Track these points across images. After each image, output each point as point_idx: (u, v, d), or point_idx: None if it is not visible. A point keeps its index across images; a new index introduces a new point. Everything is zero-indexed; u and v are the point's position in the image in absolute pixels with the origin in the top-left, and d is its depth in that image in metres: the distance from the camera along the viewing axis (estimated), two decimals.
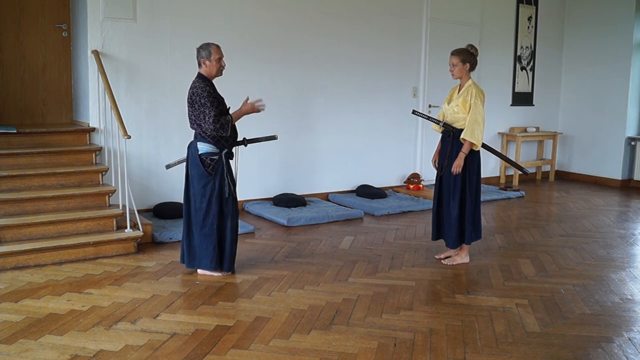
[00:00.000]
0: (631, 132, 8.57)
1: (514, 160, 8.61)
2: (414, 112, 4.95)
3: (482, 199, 7.17)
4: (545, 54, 9.12)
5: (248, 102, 4.26)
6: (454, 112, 4.53)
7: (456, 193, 4.55)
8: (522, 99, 8.98)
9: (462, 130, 4.48)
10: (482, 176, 8.38)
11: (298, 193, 6.81)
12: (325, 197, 7.08)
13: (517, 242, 5.43)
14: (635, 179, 8.49)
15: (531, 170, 9.18)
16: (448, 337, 3.31)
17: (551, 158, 9.12)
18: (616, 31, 8.51)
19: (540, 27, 8.99)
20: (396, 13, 7.42)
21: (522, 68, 8.91)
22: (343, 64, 7.06)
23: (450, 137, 4.57)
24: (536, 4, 8.90)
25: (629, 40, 8.37)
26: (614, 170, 8.64)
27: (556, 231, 5.86)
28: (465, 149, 4.45)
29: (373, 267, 4.56)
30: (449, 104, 4.61)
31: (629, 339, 3.33)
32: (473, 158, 4.55)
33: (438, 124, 4.67)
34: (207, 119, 4.01)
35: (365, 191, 7.05)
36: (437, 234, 4.78)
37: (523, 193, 7.75)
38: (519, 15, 8.73)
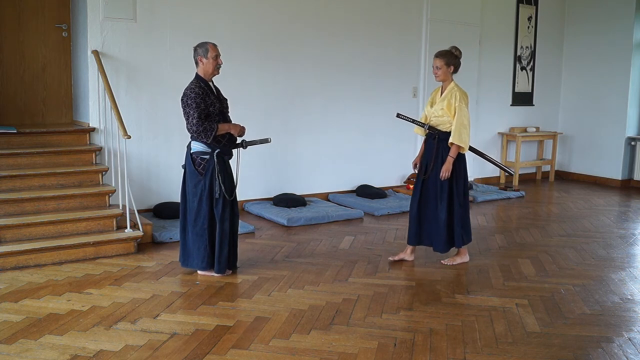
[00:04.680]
0: (631, 132, 8.56)
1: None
2: (398, 115, 4.84)
3: (481, 199, 7.22)
4: (545, 53, 9.12)
5: (240, 130, 4.23)
6: (438, 115, 4.49)
7: (444, 197, 4.50)
8: (522, 99, 8.98)
9: (447, 132, 4.45)
10: (482, 176, 8.48)
11: (298, 193, 6.80)
12: (325, 197, 7.08)
13: (517, 242, 5.43)
14: (635, 179, 8.49)
15: (531, 170, 9.19)
16: (448, 337, 3.31)
17: (551, 158, 9.11)
18: (616, 31, 8.51)
19: (540, 27, 8.98)
20: (396, 13, 7.42)
21: (522, 68, 8.91)
22: (343, 63, 7.06)
23: (435, 140, 4.52)
24: (536, 4, 8.90)
25: (629, 40, 8.37)
26: (614, 170, 8.64)
27: (556, 231, 5.86)
28: (453, 153, 4.41)
29: (373, 267, 4.56)
30: (432, 106, 4.57)
31: (629, 339, 3.33)
32: (460, 161, 4.51)
33: (422, 126, 4.61)
34: (190, 119, 4.04)
35: (365, 191, 7.05)
36: (417, 238, 4.67)
37: (523, 193, 7.75)
38: (519, 15, 8.73)
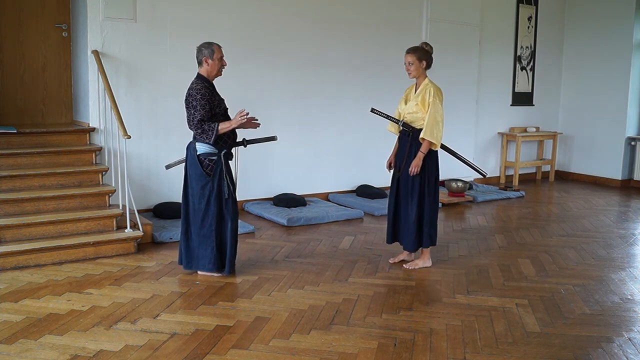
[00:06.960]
0: (631, 132, 8.57)
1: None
2: (372, 110, 4.76)
3: (481, 199, 7.22)
4: (545, 53, 9.12)
5: (242, 115, 4.03)
6: (413, 111, 4.42)
7: (414, 195, 4.43)
8: (522, 99, 8.98)
9: (420, 130, 4.36)
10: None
11: (298, 193, 6.81)
12: (325, 197, 7.08)
13: (517, 242, 5.43)
14: (635, 179, 8.49)
15: (531, 170, 9.19)
16: (448, 337, 3.31)
17: (551, 158, 9.11)
18: (616, 31, 8.51)
19: (540, 27, 8.98)
20: (396, 13, 7.41)
21: (522, 68, 8.91)
22: (343, 63, 7.06)
23: (409, 137, 4.45)
24: (536, 4, 8.90)
25: (629, 40, 8.37)
26: (614, 170, 8.64)
27: (556, 231, 5.86)
28: (424, 149, 4.34)
29: (373, 267, 4.56)
30: (406, 103, 4.51)
31: (629, 339, 3.34)
32: (432, 158, 4.44)
33: (397, 123, 4.53)
34: (192, 119, 4.03)
35: (365, 191, 7.05)
36: (393, 237, 4.66)
37: (523, 193, 7.75)
38: (519, 15, 8.73)
